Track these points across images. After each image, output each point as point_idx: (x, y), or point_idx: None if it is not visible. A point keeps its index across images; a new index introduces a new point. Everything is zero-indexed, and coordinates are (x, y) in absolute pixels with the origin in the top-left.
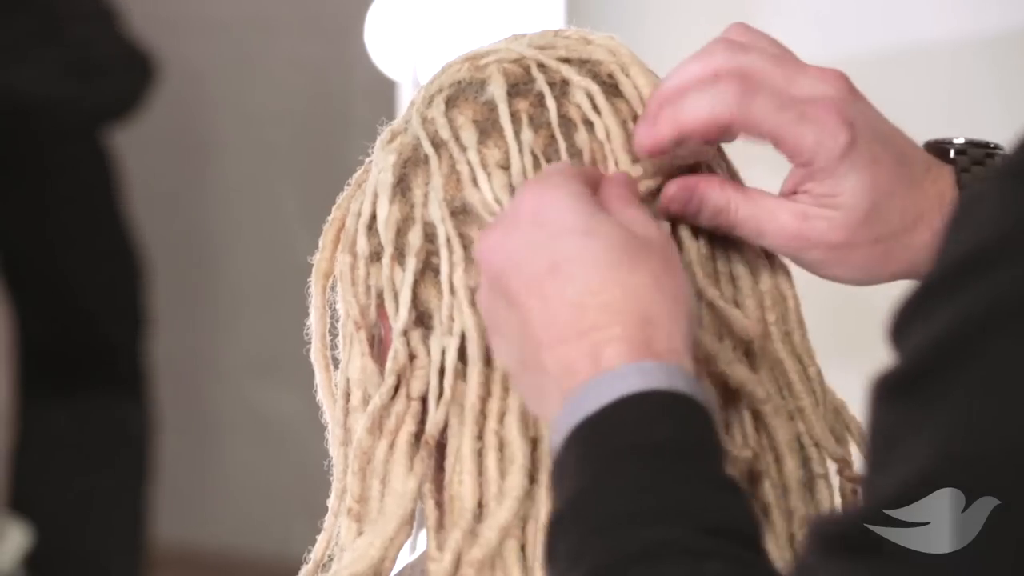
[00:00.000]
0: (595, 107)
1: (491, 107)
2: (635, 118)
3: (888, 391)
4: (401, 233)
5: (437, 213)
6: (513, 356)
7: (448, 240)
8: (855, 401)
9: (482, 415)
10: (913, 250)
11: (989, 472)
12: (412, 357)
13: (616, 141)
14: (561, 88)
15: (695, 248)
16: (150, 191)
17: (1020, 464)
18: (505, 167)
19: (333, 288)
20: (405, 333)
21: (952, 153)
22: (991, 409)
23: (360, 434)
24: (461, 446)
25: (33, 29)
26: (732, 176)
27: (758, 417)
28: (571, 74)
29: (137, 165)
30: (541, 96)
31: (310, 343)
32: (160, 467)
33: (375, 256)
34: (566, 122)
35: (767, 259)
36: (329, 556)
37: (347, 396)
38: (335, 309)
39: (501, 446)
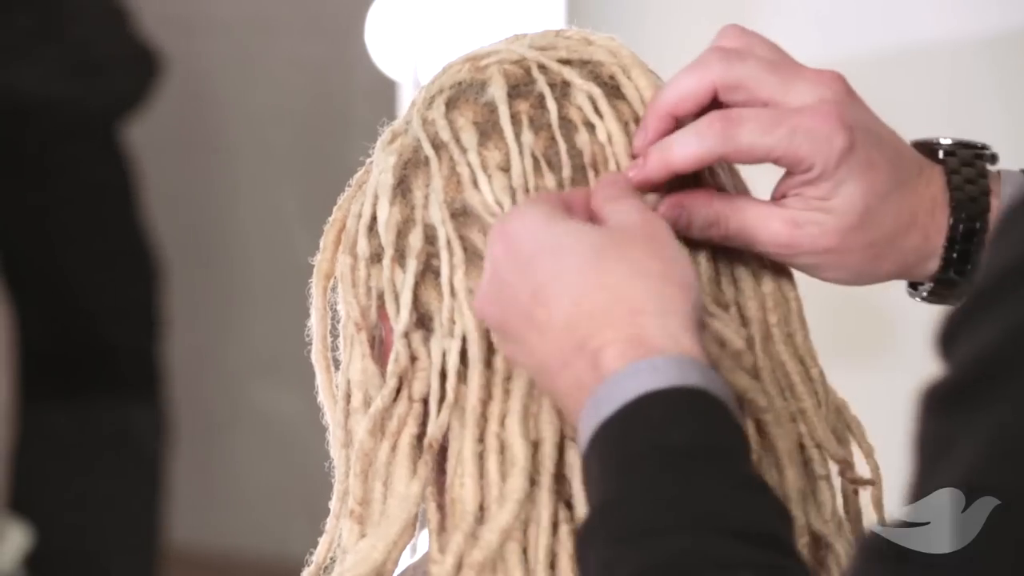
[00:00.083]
0: (597, 110)
1: (491, 108)
2: (636, 120)
3: (935, 402)
4: (402, 235)
5: (438, 215)
6: (544, 389)
7: (449, 242)
8: (856, 401)
9: (483, 418)
10: (905, 252)
11: None
12: (413, 359)
13: (618, 145)
14: (562, 89)
15: (689, 255)
16: (150, 191)
17: None
18: (505, 169)
19: (334, 289)
20: (406, 335)
21: (941, 154)
22: None
23: (362, 436)
24: (462, 449)
25: (34, 28)
26: (733, 176)
27: (759, 425)
28: (572, 76)
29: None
30: (542, 97)
31: (311, 344)
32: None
33: (376, 257)
34: (566, 124)
35: (769, 261)
36: (331, 559)
37: (348, 398)
38: (336, 310)
39: (502, 449)
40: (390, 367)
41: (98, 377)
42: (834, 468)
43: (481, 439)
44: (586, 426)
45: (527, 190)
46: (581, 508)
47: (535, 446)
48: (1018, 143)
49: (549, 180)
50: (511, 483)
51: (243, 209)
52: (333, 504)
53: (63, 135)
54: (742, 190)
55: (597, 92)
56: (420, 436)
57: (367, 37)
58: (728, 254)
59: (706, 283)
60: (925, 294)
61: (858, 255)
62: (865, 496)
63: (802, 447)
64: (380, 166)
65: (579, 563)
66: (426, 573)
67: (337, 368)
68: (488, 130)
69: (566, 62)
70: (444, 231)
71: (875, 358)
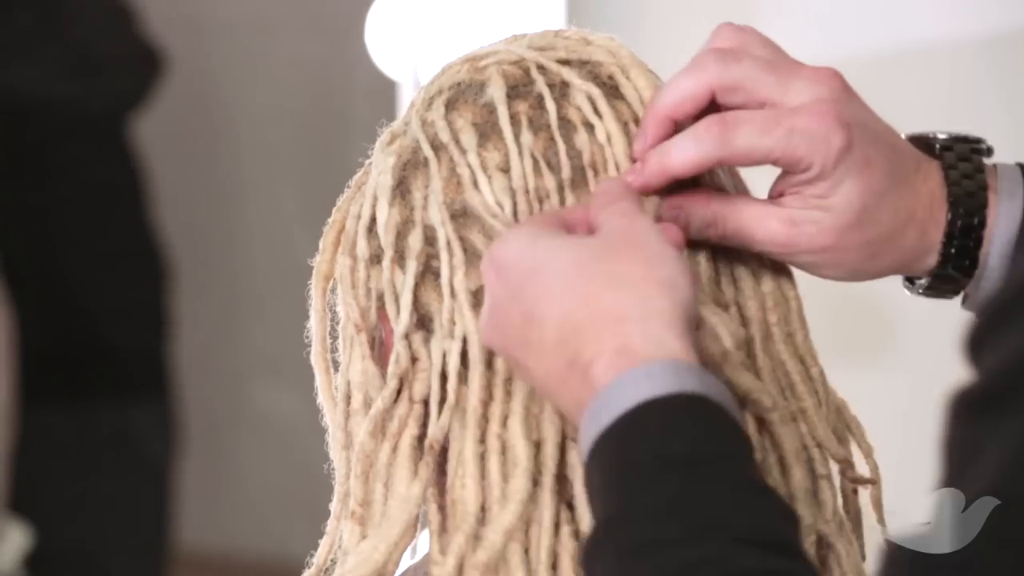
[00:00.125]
0: (596, 111)
1: (491, 109)
2: (636, 120)
3: (962, 408)
4: (401, 236)
5: (437, 216)
6: (553, 405)
7: (448, 243)
8: (856, 401)
9: (484, 419)
10: (903, 249)
11: None
12: (414, 360)
13: (617, 145)
14: (561, 90)
15: (688, 256)
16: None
17: None
18: (505, 170)
19: (333, 291)
20: (407, 336)
21: (938, 148)
22: None
23: (362, 437)
24: (463, 450)
25: (34, 27)
26: (733, 176)
27: (763, 424)
28: (572, 77)
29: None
30: (541, 98)
31: (311, 346)
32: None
33: (375, 259)
34: (565, 124)
35: (769, 260)
36: (332, 560)
37: (348, 399)
38: (335, 312)
39: (504, 450)
40: (390, 368)
41: (98, 377)
42: (834, 467)
43: (482, 440)
44: (585, 439)
45: (527, 191)
46: (583, 509)
47: (537, 447)
48: (1018, 143)
49: (548, 181)
50: (514, 484)
51: (243, 209)
52: (334, 506)
53: (63, 135)
54: (742, 190)
55: (596, 92)
56: (421, 437)
57: (367, 37)
58: (728, 254)
59: (706, 283)
60: (922, 289)
61: (856, 253)
62: (864, 496)
63: (803, 446)
64: (379, 167)
65: None
66: (427, 574)
67: (337, 370)
68: (487, 131)
69: (565, 62)
70: (444, 232)
71: (875, 358)
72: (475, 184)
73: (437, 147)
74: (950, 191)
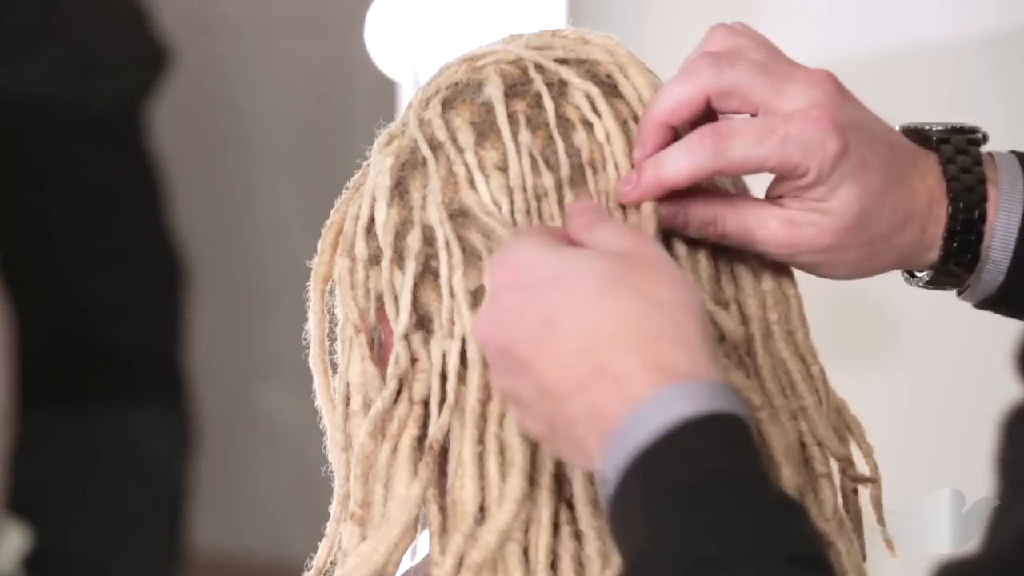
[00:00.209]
0: (595, 109)
1: (488, 108)
2: (635, 118)
3: (1018, 423)
4: (400, 236)
5: (436, 216)
6: (541, 422)
7: (447, 243)
8: (856, 401)
9: (482, 418)
10: (902, 246)
11: None
12: (414, 361)
13: (616, 144)
14: (559, 89)
15: (688, 254)
16: None
17: None
18: (503, 169)
19: (332, 292)
20: (406, 337)
21: (934, 141)
22: None
23: (362, 438)
24: (462, 450)
25: (34, 26)
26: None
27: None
28: (570, 75)
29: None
30: (539, 97)
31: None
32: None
33: (374, 260)
34: (564, 122)
35: (769, 259)
36: (331, 562)
37: (347, 400)
38: (334, 314)
39: (502, 449)
40: (390, 369)
41: (98, 378)
42: (834, 466)
43: (481, 440)
44: (617, 451)
45: (524, 189)
46: (582, 508)
47: (534, 446)
48: (1019, 143)
49: (547, 179)
50: (510, 483)
51: (243, 209)
52: (333, 508)
53: (64, 134)
54: (741, 189)
55: (595, 91)
56: (421, 438)
57: (367, 37)
58: (728, 252)
59: (706, 281)
60: (922, 283)
61: (856, 252)
62: (864, 495)
63: (803, 445)
64: (377, 168)
65: None
66: (428, 575)
67: (335, 372)
68: (485, 130)
69: (563, 61)
70: (443, 232)
71: (875, 358)
72: (472, 183)
73: (435, 146)
74: (949, 186)
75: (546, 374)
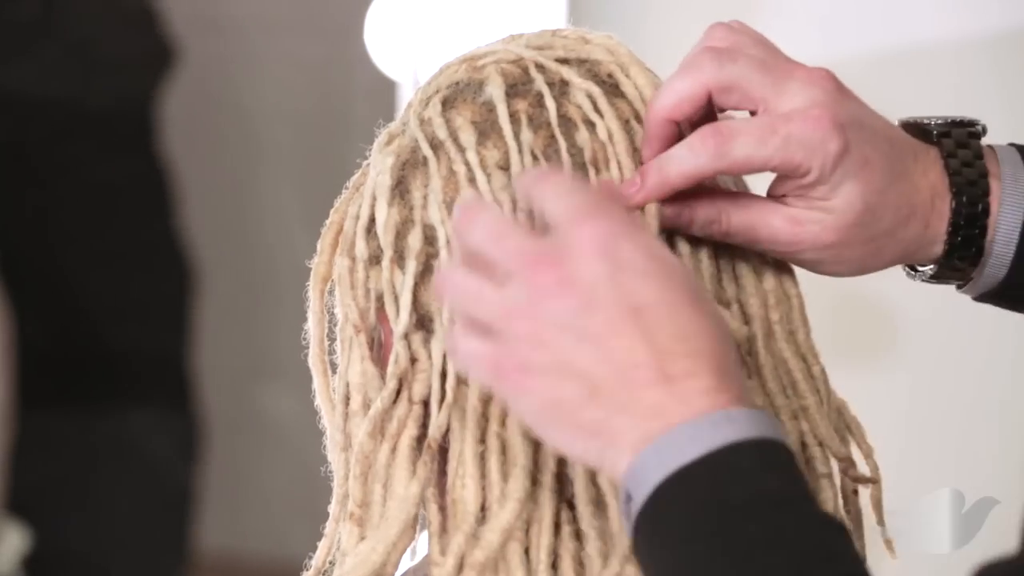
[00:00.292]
0: (597, 109)
1: (489, 108)
2: (637, 118)
3: None
4: (400, 236)
5: (436, 215)
6: (570, 391)
7: (448, 242)
8: (856, 401)
9: (484, 418)
10: (905, 242)
11: None
12: (413, 360)
13: (619, 143)
14: (560, 88)
15: (690, 253)
16: None
17: None
18: (504, 168)
19: (331, 292)
20: (406, 336)
21: (935, 135)
22: None
23: (361, 438)
24: (463, 450)
25: (35, 23)
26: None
27: None
28: (571, 75)
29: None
30: (540, 96)
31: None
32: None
33: (374, 259)
34: (566, 121)
35: (771, 258)
36: (330, 562)
37: (346, 400)
38: (333, 314)
39: (503, 449)
40: (390, 369)
41: (98, 379)
42: (835, 467)
43: (482, 439)
44: (658, 466)
45: None
46: (583, 508)
47: (536, 445)
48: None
49: None
50: (512, 483)
51: (243, 209)
52: (332, 507)
53: (64, 134)
54: (742, 187)
55: (596, 91)
56: (420, 438)
57: (367, 37)
58: (730, 251)
59: (708, 280)
60: (925, 277)
61: (859, 249)
62: (864, 496)
63: (804, 445)
64: (377, 167)
65: None
66: (427, 575)
67: (335, 372)
68: (486, 129)
69: (564, 61)
70: (444, 231)
71: (875, 358)
72: (474, 182)
73: (436, 146)
74: (952, 181)
75: (617, 356)
